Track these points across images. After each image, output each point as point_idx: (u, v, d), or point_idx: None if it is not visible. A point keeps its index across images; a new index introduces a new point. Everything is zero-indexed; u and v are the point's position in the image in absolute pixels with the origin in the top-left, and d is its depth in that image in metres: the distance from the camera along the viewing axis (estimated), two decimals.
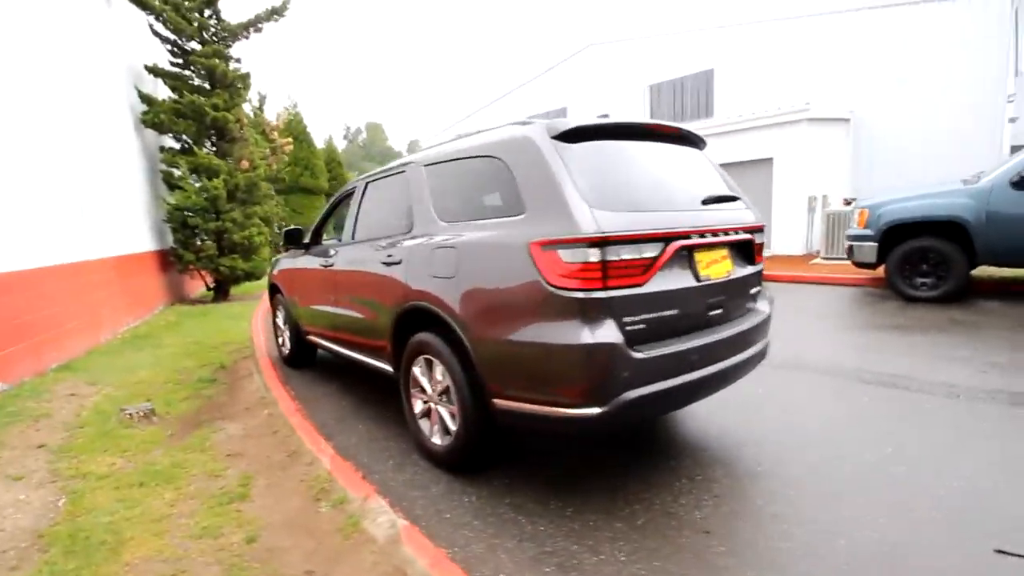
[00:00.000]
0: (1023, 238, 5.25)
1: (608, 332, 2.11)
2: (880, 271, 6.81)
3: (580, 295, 2.10)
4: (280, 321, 5.34)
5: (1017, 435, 2.79)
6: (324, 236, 4.57)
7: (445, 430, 2.80)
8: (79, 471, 2.89)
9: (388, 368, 3.33)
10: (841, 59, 13.84)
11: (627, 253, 2.14)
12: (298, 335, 4.90)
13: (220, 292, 9.78)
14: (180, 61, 9.09)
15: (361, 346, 3.60)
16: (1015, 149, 13.19)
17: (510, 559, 2.02)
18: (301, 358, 5.09)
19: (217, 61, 8.85)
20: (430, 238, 2.80)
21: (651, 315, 2.25)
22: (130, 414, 3.75)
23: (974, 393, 3.35)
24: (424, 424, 2.98)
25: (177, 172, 8.69)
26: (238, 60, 9.48)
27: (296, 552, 2.08)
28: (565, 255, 2.11)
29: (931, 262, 5.93)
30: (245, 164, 9.41)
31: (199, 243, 8.89)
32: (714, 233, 2.47)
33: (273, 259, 5.66)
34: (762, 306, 2.90)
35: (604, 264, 2.10)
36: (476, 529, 2.24)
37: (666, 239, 2.25)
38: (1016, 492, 2.26)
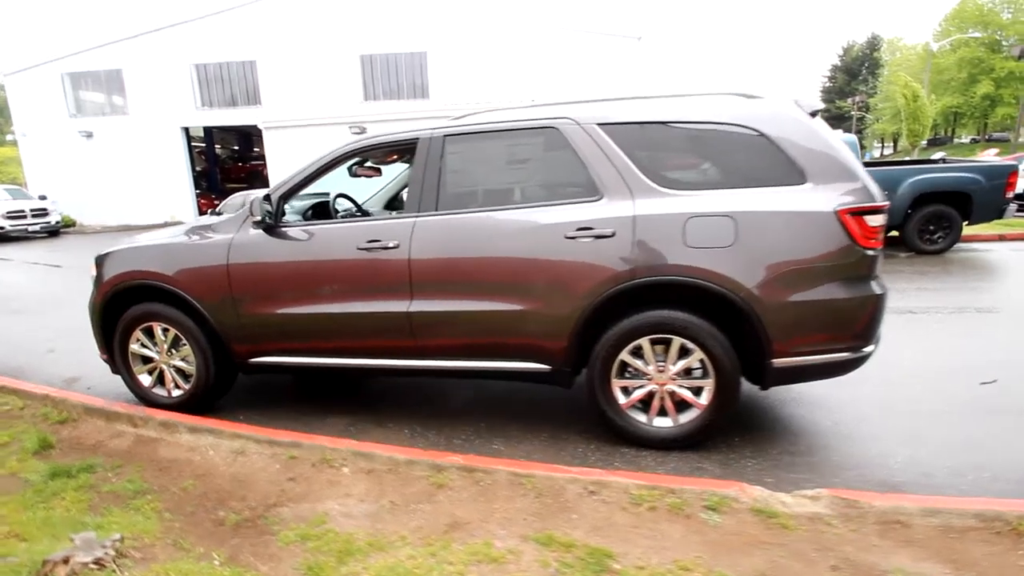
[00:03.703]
0: None
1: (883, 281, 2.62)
2: None
3: (874, 253, 2.51)
4: (149, 350, 3.34)
5: None
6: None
7: (679, 410, 2.70)
8: None
9: (535, 367, 2.82)
10: (541, 68, 16.72)
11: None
12: (224, 362, 3.23)
13: None
14: None
15: (479, 348, 2.85)
16: None
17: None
18: (211, 397, 3.37)
19: None
20: (656, 206, 2.56)
21: None
22: (95, 562, 1.86)
23: None
24: (636, 413, 2.75)
25: None
26: None
27: (798, 560, 1.82)
28: (871, 220, 2.47)
29: None
30: None
31: None
32: None
33: (107, 252, 3.37)
34: None
35: (885, 227, 2.57)
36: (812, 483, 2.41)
37: None
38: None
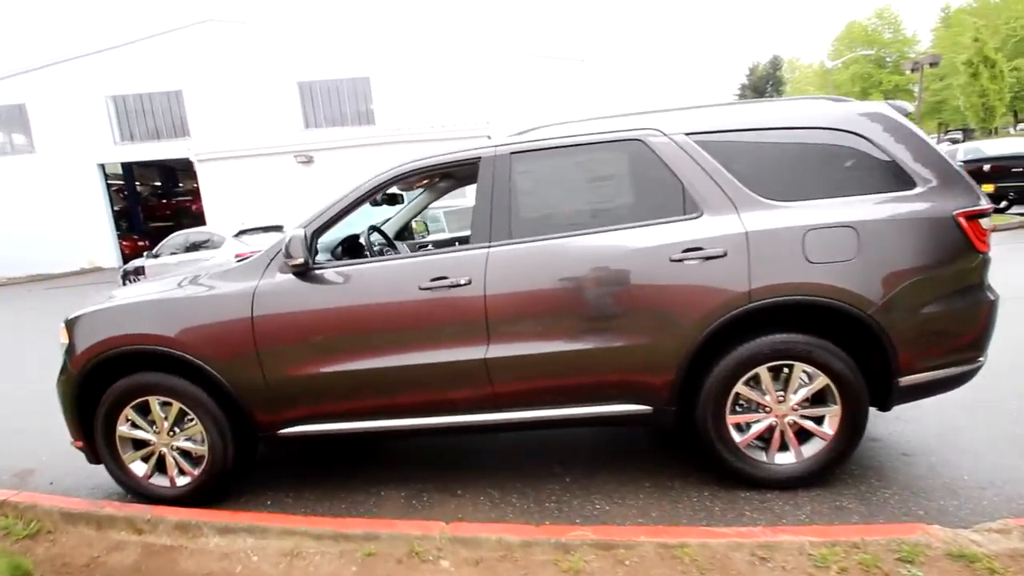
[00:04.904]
0: None
1: None
2: None
3: (986, 257, 2.40)
4: (144, 432, 2.71)
5: None
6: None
7: (800, 443, 2.44)
8: None
9: (635, 408, 2.49)
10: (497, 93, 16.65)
11: None
12: (244, 437, 2.67)
13: None
14: None
15: (568, 392, 2.48)
16: None
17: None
18: (227, 482, 2.77)
19: None
20: (768, 220, 2.33)
21: None
22: None
23: None
24: (753, 452, 2.47)
25: None
26: None
27: None
28: (985, 223, 2.35)
29: None
30: None
31: None
32: None
33: (81, 314, 2.72)
34: None
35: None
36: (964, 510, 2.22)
37: None
38: None
